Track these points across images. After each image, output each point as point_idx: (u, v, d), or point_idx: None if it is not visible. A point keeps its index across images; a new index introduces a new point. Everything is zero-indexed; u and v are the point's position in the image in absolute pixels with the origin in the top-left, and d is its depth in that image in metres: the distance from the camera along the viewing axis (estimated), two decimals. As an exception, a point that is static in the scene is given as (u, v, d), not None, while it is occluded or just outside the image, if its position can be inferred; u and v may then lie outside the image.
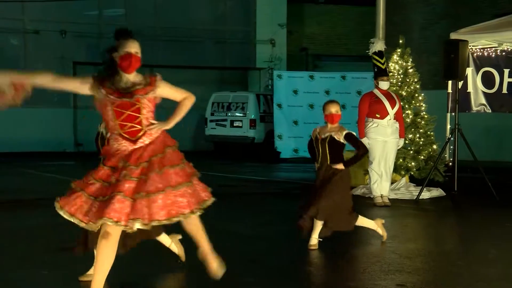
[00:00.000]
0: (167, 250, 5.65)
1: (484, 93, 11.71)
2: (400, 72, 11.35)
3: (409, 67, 11.41)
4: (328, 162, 6.59)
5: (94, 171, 4.41)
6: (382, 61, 10.17)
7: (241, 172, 15.21)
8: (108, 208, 4.18)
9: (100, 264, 4.35)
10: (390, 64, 11.27)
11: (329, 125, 6.67)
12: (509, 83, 11.58)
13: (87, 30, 21.58)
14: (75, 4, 20.95)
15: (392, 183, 10.35)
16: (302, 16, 26.03)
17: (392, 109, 9.73)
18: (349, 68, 21.16)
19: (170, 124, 4.55)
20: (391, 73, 11.18)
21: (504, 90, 11.62)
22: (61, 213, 4.34)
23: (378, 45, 10.43)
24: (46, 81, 4.42)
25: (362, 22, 24.77)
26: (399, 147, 10.02)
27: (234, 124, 19.38)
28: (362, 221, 6.70)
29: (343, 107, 17.77)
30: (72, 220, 4.33)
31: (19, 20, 21.19)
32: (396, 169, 10.77)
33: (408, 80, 11.34)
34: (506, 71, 11.61)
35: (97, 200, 4.29)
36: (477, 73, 11.64)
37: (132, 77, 4.49)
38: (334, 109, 6.66)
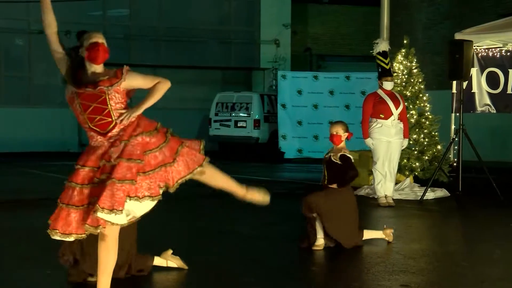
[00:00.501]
0: (166, 249, 5.64)
1: (488, 93, 11.69)
2: (404, 72, 11.33)
3: (413, 67, 11.39)
4: (326, 182, 6.66)
5: (74, 177, 4.34)
6: (386, 61, 10.15)
7: (245, 172, 15.19)
8: (106, 198, 4.14)
9: (103, 266, 4.32)
10: (394, 64, 11.25)
11: (334, 146, 6.74)
12: (514, 83, 11.56)
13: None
14: (80, 5, 20.98)
15: (396, 183, 10.33)
16: (306, 16, 26.02)
17: (396, 109, 9.71)
18: (353, 68, 21.15)
19: (139, 110, 4.38)
20: (396, 73, 11.16)
21: (509, 91, 11.60)
22: (57, 237, 4.29)
23: (382, 45, 10.41)
24: (50, 27, 4.68)
25: (366, 22, 24.75)
26: (403, 147, 10.00)
27: (238, 124, 19.37)
28: (368, 234, 6.76)
29: (347, 107, 18.06)
30: (70, 239, 4.31)
31: (24, 21, 21.23)
32: (401, 169, 10.75)
33: (412, 80, 11.32)
34: (511, 71, 11.59)
35: (90, 204, 4.23)
36: (482, 73, 11.62)
37: (98, 69, 4.42)
38: (334, 130, 6.73)
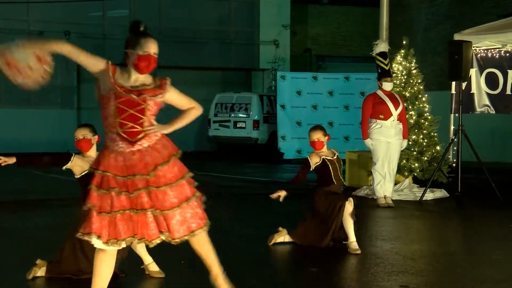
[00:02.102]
0: (168, 250, 5.64)
1: (487, 94, 11.70)
2: (403, 73, 11.35)
3: (412, 68, 11.40)
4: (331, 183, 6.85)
5: (102, 182, 4.11)
6: (386, 62, 10.16)
7: (244, 173, 15.21)
8: (144, 229, 4.09)
9: (99, 279, 4.21)
10: (393, 65, 11.26)
11: (316, 151, 6.91)
12: (513, 84, 11.58)
13: (92, 31, 21.62)
14: (80, 5, 20.99)
15: (395, 184, 10.34)
16: (305, 17, 26.03)
17: (396, 110, 9.72)
18: (353, 69, 21.17)
19: (170, 129, 4.29)
20: (395, 74, 11.17)
21: (508, 91, 11.61)
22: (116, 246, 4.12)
23: (382, 46, 10.42)
24: (63, 50, 4.22)
25: (366, 23, 24.77)
26: (403, 148, 10.01)
27: (238, 125, 19.38)
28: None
29: (346, 108, 18.06)
30: (121, 246, 4.15)
31: (23, 21, 21.24)
32: (400, 170, 10.76)
33: (411, 81, 11.33)
34: (510, 72, 11.60)
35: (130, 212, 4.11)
36: (481, 74, 11.63)
37: (142, 77, 4.26)
38: (315, 136, 6.88)
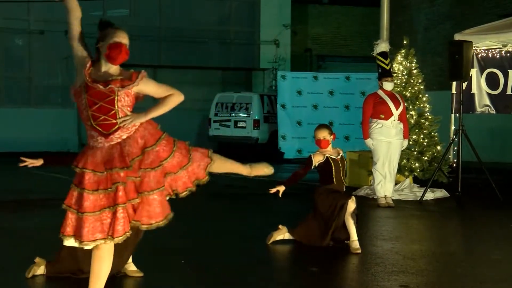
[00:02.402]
0: (168, 249, 5.65)
1: (488, 94, 11.70)
2: (404, 73, 11.35)
3: (413, 68, 11.40)
4: (335, 182, 6.83)
5: (80, 182, 4.12)
6: (387, 62, 10.16)
7: (245, 172, 15.18)
8: (115, 227, 4.05)
9: (96, 277, 4.20)
10: (394, 65, 11.26)
11: (321, 149, 6.85)
12: (513, 84, 11.58)
13: (92, 31, 21.44)
14: (80, 5, 20.88)
15: (396, 184, 10.34)
16: (306, 16, 26.03)
17: (397, 110, 9.72)
18: (353, 68, 21.17)
19: (144, 117, 4.23)
20: (395, 74, 11.17)
21: (509, 91, 11.61)
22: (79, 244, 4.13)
23: (382, 46, 10.42)
24: (76, 13, 4.63)
25: (367, 23, 24.76)
26: (403, 148, 10.01)
27: (238, 125, 19.38)
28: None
29: (347, 107, 18.06)
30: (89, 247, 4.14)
31: (24, 21, 21.24)
32: (400, 170, 10.76)
33: (412, 81, 11.33)
34: (511, 72, 11.61)
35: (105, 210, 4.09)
36: (482, 74, 11.64)
37: (113, 69, 4.23)
38: (321, 135, 6.82)
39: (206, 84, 22.83)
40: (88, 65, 4.22)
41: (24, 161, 4.90)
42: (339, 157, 6.82)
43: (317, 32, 26.26)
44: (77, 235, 4.09)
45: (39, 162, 5.11)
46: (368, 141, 9.75)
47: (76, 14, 4.34)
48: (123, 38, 4.24)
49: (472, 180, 11.06)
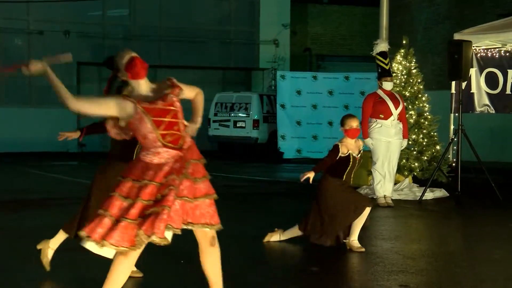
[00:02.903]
0: (168, 249, 5.64)
1: (487, 93, 11.71)
2: (403, 73, 11.35)
3: (412, 68, 11.41)
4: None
5: (137, 194, 3.99)
6: (386, 61, 10.17)
7: (244, 172, 15.21)
8: (156, 223, 3.91)
9: (114, 282, 4.09)
10: (393, 65, 11.27)
11: (349, 139, 6.71)
12: (513, 83, 11.58)
13: (91, 31, 21.62)
14: (79, 5, 20.99)
15: (395, 183, 10.35)
16: (305, 16, 26.04)
17: (396, 109, 9.73)
18: (353, 68, 21.16)
19: (198, 122, 4.28)
20: (395, 74, 11.17)
21: (508, 91, 11.62)
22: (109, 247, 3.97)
23: (382, 46, 10.43)
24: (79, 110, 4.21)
25: (366, 23, 24.78)
26: (403, 147, 10.02)
27: (237, 125, 19.39)
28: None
29: (346, 107, 18.06)
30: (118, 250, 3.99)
31: (23, 21, 21.24)
32: (400, 169, 10.77)
33: (411, 80, 11.34)
34: (510, 71, 11.61)
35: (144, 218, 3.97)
36: (481, 73, 11.64)
37: (146, 85, 4.12)
38: (354, 123, 6.68)
39: (205, 84, 22.80)
40: (126, 98, 4.04)
41: (62, 135, 5.08)
42: (358, 155, 6.70)
43: (317, 32, 26.27)
44: (108, 237, 3.96)
45: (76, 135, 5.18)
46: (368, 141, 9.75)
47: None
48: (129, 53, 4.11)
49: (471, 179, 11.06)
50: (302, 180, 6.48)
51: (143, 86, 4.11)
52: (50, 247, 5.44)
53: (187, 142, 4.15)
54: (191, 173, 4.09)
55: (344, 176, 6.67)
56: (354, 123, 6.64)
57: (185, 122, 4.20)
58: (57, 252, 5.50)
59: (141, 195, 3.96)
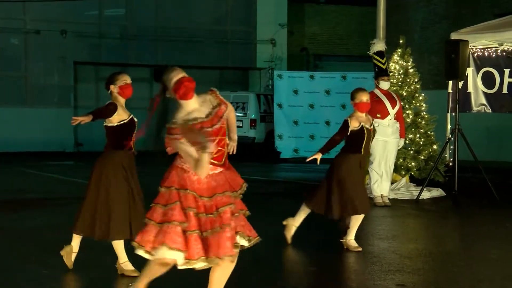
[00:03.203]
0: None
1: (484, 93, 11.71)
2: (400, 72, 11.36)
3: (409, 67, 11.42)
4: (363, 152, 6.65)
5: (188, 201, 4.06)
6: (383, 61, 10.17)
7: (241, 172, 15.10)
8: (223, 245, 4.06)
9: (151, 275, 4.21)
10: (390, 64, 11.27)
11: (359, 113, 6.65)
12: (509, 83, 11.58)
13: (88, 30, 21.59)
14: (76, 4, 20.97)
15: (392, 183, 10.35)
16: (302, 16, 26.04)
17: (393, 109, 9.73)
18: (350, 68, 21.17)
19: (236, 139, 4.41)
20: (392, 73, 11.18)
21: (505, 90, 11.63)
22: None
23: (379, 45, 10.43)
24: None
25: (363, 22, 24.78)
26: (400, 147, 10.02)
27: (235, 124, 19.39)
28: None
29: (343, 107, 18.07)
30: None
31: (20, 20, 21.21)
32: (397, 169, 10.77)
33: (408, 80, 11.35)
34: (507, 71, 11.61)
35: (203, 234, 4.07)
36: (478, 73, 11.64)
37: (196, 99, 4.15)
38: (365, 97, 6.62)
39: (202, 84, 22.53)
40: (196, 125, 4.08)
41: (76, 120, 5.09)
42: (371, 127, 6.66)
43: (314, 31, 26.28)
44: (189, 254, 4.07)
45: (88, 118, 5.20)
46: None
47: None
48: (179, 74, 4.12)
49: (468, 179, 11.07)
50: (308, 161, 6.41)
51: (191, 104, 4.12)
52: (73, 251, 5.51)
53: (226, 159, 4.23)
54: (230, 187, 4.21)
55: (362, 149, 6.56)
56: (364, 97, 6.59)
57: (227, 140, 4.26)
58: (57, 252, 5.49)
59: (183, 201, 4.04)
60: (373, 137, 6.70)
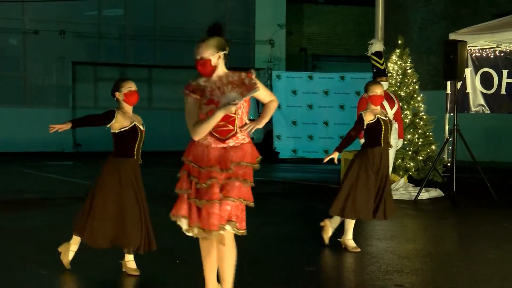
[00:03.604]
0: (167, 249, 5.65)
1: (482, 93, 11.74)
2: (399, 73, 11.37)
3: (408, 68, 11.43)
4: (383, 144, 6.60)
5: (196, 173, 4.20)
6: (381, 61, 10.18)
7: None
8: (211, 220, 4.13)
9: (233, 267, 4.37)
10: (389, 65, 11.29)
11: (373, 106, 6.57)
12: (507, 83, 11.61)
13: (87, 30, 21.60)
14: (75, 4, 20.97)
15: (390, 183, 10.36)
16: (301, 16, 26.05)
17: (391, 109, 9.74)
18: (348, 68, 21.20)
19: (262, 124, 4.29)
20: (390, 74, 11.20)
21: (503, 91, 11.65)
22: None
23: (377, 46, 10.44)
24: None
25: (362, 23, 24.80)
26: (398, 147, 10.03)
27: (233, 124, 19.40)
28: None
29: (341, 107, 18.10)
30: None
31: (18, 20, 21.21)
32: (395, 169, 10.79)
33: (407, 80, 11.36)
34: (505, 71, 11.64)
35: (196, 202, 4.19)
36: (476, 73, 11.67)
37: (226, 75, 4.48)
38: (379, 90, 6.53)
39: (201, 84, 22.81)
40: (193, 96, 4.42)
41: (53, 128, 5.25)
42: (387, 118, 6.60)
43: (312, 31, 26.29)
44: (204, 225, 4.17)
45: (67, 126, 5.36)
46: (363, 141, 9.75)
47: None
48: (201, 53, 4.70)
49: (466, 179, 11.09)
50: (325, 161, 6.36)
51: (218, 77, 4.53)
52: (71, 250, 5.51)
53: (235, 140, 4.22)
54: (234, 173, 4.19)
55: (382, 142, 6.52)
56: (378, 90, 6.51)
57: (246, 120, 4.26)
58: (54, 252, 5.50)
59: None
60: (391, 129, 6.64)
